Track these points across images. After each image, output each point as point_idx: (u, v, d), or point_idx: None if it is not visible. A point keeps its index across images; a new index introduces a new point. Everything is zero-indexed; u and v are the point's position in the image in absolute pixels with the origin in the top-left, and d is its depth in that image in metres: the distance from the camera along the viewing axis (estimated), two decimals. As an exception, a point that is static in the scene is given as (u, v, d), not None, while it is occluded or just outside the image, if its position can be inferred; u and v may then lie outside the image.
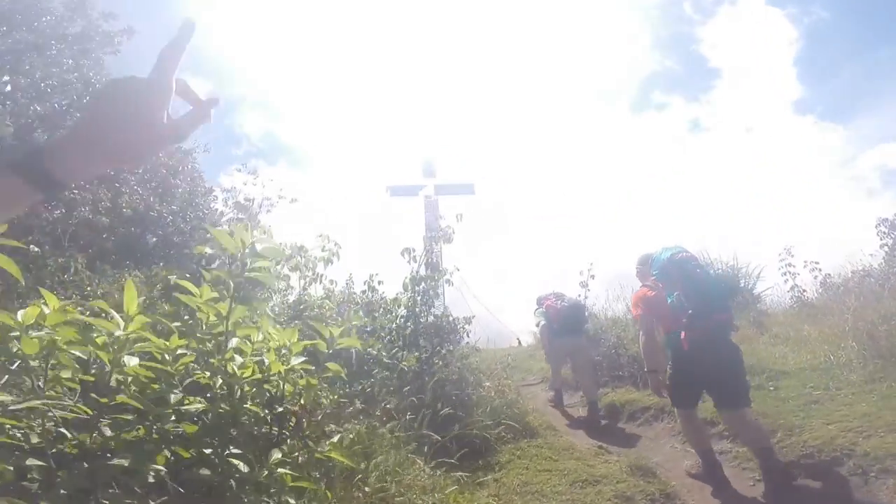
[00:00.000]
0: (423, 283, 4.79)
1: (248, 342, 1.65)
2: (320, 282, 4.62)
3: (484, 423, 3.97)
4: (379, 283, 5.07)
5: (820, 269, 7.68)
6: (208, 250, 2.79)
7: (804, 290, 7.64)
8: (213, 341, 1.60)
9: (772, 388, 4.35)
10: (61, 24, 8.17)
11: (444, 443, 3.48)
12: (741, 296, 8.97)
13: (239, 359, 1.61)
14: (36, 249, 4.03)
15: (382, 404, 3.40)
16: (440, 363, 4.42)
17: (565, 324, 5.53)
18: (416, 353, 4.43)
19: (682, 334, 3.22)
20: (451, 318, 4.72)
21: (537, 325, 5.94)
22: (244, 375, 1.61)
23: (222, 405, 1.52)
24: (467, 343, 5.27)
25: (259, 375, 1.66)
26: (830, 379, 4.24)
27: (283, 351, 1.74)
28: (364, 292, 5.08)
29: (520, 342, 9.29)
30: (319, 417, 2.05)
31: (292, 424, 1.84)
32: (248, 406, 1.59)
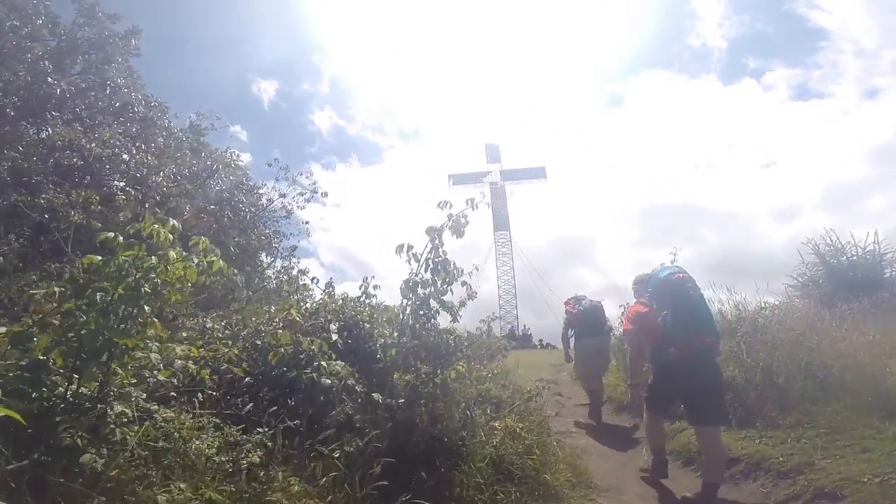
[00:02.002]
0: (425, 289, 3.84)
1: None
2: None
3: (476, 481, 3.01)
4: (375, 287, 4.22)
5: None
6: (111, 234, 2.10)
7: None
8: None
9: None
10: (76, 29, 8.34)
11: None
12: (888, 291, 6.85)
13: None
14: None
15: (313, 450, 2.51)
16: (436, 392, 3.50)
17: (584, 326, 5.64)
18: (408, 377, 3.56)
19: (673, 350, 3.36)
20: (453, 337, 3.72)
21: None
22: None
23: None
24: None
25: None
26: None
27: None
28: (360, 298, 4.28)
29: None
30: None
31: None
32: None
